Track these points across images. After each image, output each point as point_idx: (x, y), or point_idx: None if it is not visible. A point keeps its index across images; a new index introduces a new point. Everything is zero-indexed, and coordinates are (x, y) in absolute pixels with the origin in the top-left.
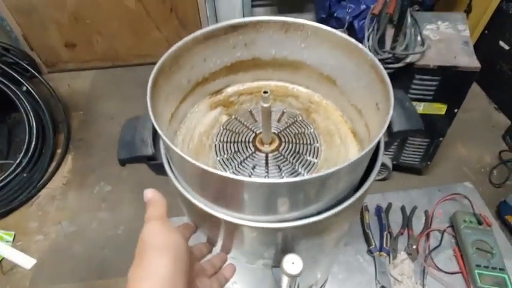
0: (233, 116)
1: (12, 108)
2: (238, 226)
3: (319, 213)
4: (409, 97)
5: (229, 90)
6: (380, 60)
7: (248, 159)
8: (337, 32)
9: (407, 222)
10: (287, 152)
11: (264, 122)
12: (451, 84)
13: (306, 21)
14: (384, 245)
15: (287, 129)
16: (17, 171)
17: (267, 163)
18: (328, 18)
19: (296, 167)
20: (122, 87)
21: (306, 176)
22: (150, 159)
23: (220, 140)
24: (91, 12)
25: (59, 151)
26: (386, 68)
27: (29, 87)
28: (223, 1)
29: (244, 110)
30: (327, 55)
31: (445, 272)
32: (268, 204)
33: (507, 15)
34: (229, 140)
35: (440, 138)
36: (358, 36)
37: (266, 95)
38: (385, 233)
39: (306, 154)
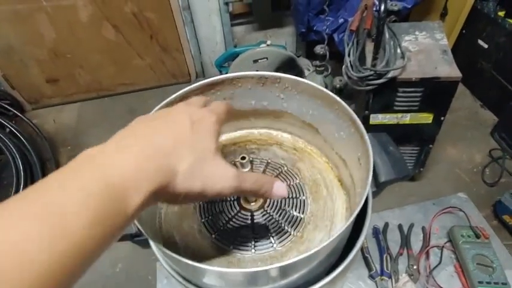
0: None
1: None
2: None
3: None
4: (395, 108)
5: None
6: (362, 77)
7: (233, 219)
8: (315, 84)
9: (405, 242)
10: (272, 209)
11: None
12: (434, 94)
13: (282, 74)
14: (385, 269)
15: None
16: None
17: (252, 222)
18: (307, 32)
19: (283, 225)
20: (109, 117)
21: (274, 265)
22: (134, 236)
23: None
24: (71, 47)
25: None
26: (368, 85)
27: (12, 128)
28: (203, 23)
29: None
30: (307, 105)
31: None
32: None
33: (482, 14)
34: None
35: (430, 145)
36: (339, 49)
37: (244, 160)
38: (385, 255)
39: (292, 209)
